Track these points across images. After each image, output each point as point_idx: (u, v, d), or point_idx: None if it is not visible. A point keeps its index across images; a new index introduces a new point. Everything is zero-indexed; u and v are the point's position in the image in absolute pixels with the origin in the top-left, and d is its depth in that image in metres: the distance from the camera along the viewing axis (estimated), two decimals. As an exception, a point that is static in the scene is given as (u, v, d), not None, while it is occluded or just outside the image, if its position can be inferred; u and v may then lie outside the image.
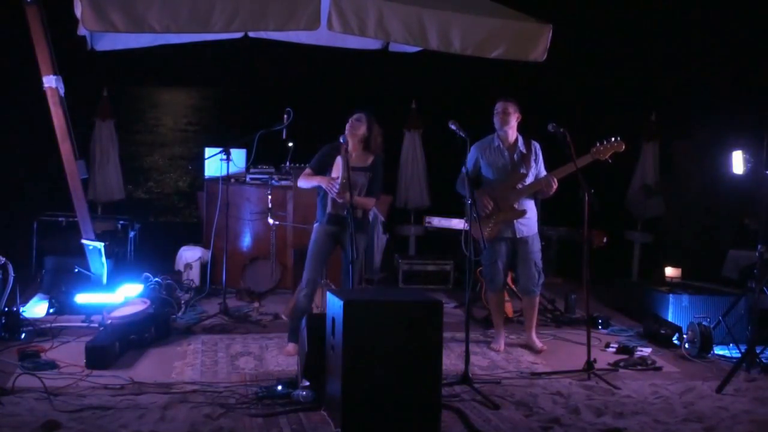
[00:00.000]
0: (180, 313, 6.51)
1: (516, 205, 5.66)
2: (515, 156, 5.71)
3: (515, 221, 5.67)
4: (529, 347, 5.92)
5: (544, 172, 5.72)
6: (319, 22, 5.81)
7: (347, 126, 5.45)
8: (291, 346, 5.55)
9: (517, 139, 5.73)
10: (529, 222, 5.73)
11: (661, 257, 8.22)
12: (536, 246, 5.79)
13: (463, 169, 5.48)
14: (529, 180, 5.68)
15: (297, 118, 6.08)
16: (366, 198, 5.48)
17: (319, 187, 5.51)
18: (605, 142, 5.51)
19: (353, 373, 3.97)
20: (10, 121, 8.22)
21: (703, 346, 5.71)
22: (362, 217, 5.52)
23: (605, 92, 9.24)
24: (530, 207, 5.74)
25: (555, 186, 5.54)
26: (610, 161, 5.89)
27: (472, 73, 8.70)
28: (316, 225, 5.60)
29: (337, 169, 5.37)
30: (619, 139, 5.50)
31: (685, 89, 8.75)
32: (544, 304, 6.92)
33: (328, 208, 5.46)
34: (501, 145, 5.73)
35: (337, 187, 5.27)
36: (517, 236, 5.70)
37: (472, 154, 5.80)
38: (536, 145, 5.74)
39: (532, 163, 5.69)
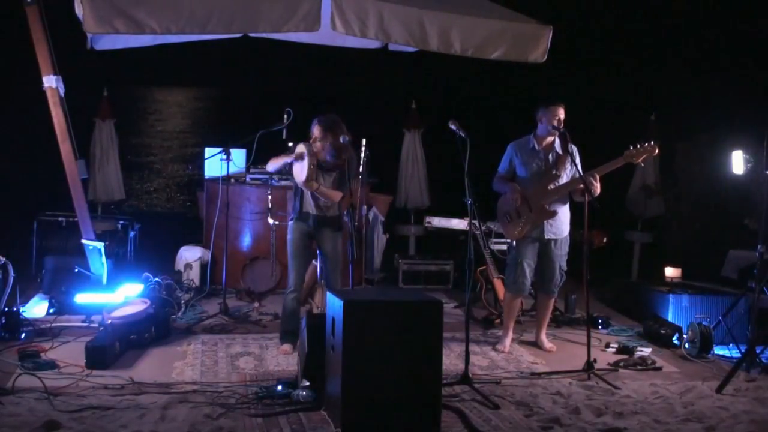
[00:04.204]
0: (180, 313, 6.51)
1: (548, 206, 5.65)
2: (550, 157, 5.69)
3: (545, 222, 5.67)
4: (538, 346, 5.93)
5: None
6: (319, 23, 5.81)
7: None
8: (286, 346, 5.61)
9: (553, 141, 5.69)
10: (559, 224, 5.70)
11: (661, 257, 8.22)
12: (563, 249, 5.77)
13: (499, 169, 5.72)
14: (563, 181, 5.66)
15: (297, 118, 6.08)
16: (333, 191, 5.48)
17: (293, 183, 5.57)
18: (638, 146, 5.45)
19: (353, 373, 3.97)
20: (10, 121, 8.22)
21: (703, 346, 5.71)
22: (335, 214, 5.56)
23: (605, 92, 9.24)
24: (562, 209, 5.70)
25: (597, 184, 5.41)
26: (643, 165, 5.89)
27: (472, 73, 8.72)
28: (290, 222, 5.67)
29: (303, 160, 5.39)
30: (652, 143, 5.45)
31: (685, 89, 8.75)
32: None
33: (303, 206, 5.54)
34: (536, 146, 5.70)
35: (305, 173, 5.29)
36: (545, 237, 5.68)
37: (507, 154, 5.83)
38: (573, 148, 5.65)
39: (568, 165, 5.63)
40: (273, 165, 5.68)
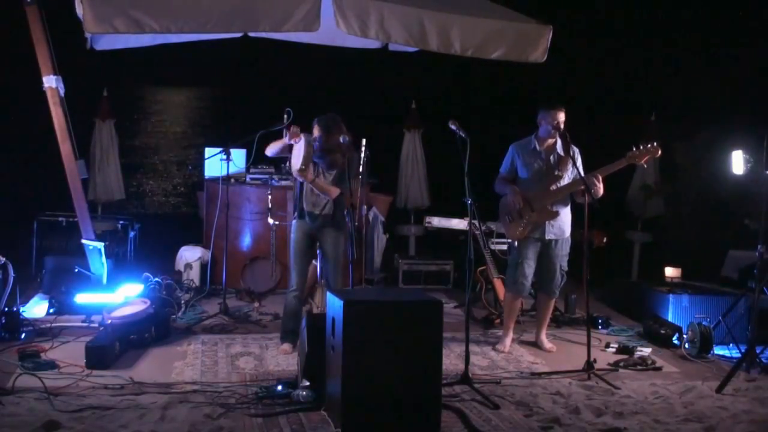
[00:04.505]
0: (180, 313, 6.51)
1: (549, 207, 5.64)
2: (552, 158, 5.68)
3: (546, 222, 5.66)
4: (538, 346, 5.94)
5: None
6: (318, 23, 5.81)
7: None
8: (286, 345, 5.61)
9: (555, 142, 5.69)
10: (560, 224, 5.70)
11: (661, 257, 8.22)
12: (564, 250, 5.77)
13: (501, 170, 5.75)
14: (565, 182, 5.65)
15: (297, 118, 6.09)
16: (330, 186, 5.48)
17: (295, 181, 5.57)
18: (641, 147, 5.46)
19: (353, 373, 3.97)
20: (10, 121, 8.22)
21: (703, 346, 5.71)
22: (334, 212, 5.54)
23: (605, 92, 9.24)
24: (564, 210, 5.71)
25: (599, 185, 5.44)
26: (645, 166, 5.89)
27: (472, 73, 8.71)
28: (293, 222, 5.67)
29: (300, 150, 5.39)
30: (655, 144, 5.46)
31: (685, 89, 8.75)
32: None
33: (304, 206, 5.54)
34: (538, 147, 5.70)
35: (300, 160, 5.29)
36: (546, 238, 5.68)
37: (509, 154, 5.83)
38: (575, 149, 5.65)
39: (569, 167, 5.63)
40: (272, 149, 5.64)
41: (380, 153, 7.83)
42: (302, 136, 5.38)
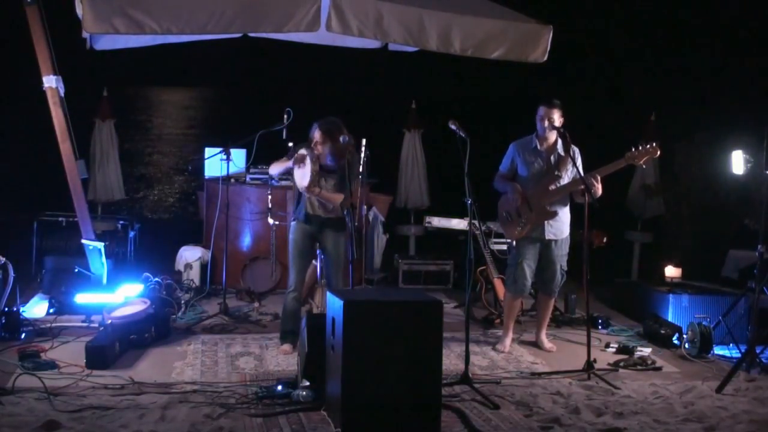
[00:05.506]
0: (180, 313, 6.51)
1: (548, 207, 5.65)
2: (552, 158, 5.68)
3: (545, 222, 5.67)
4: (538, 346, 5.94)
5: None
6: (319, 23, 5.81)
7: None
8: (286, 345, 5.61)
9: (556, 142, 5.69)
10: (559, 224, 5.69)
11: (661, 257, 8.22)
12: (564, 249, 5.77)
13: (501, 168, 5.74)
14: (564, 182, 5.65)
15: (297, 118, 6.09)
16: (334, 194, 5.48)
17: (294, 184, 5.56)
18: (640, 148, 5.46)
19: (353, 373, 3.97)
20: (10, 121, 8.23)
21: (703, 346, 5.71)
22: (337, 215, 5.53)
23: (605, 92, 9.25)
24: (563, 210, 5.70)
25: (598, 185, 5.44)
26: (644, 167, 5.89)
27: (472, 73, 8.72)
28: (293, 223, 5.66)
29: (307, 168, 5.38)
30: (654, 144, 5.47)
31: (685, 89, 8.76)
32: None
33: (305, 208, 5.53)
34: (538, 146, 5.70)
35: (308, 178, 5.29)
36: (546, 237, 5.68)
37: (509, 153, 5.83)
38: (575, 150, 5.65)
39: (569, 167, 5.63)
40: (275, 170, 5.69)
41: (380, 153, 7.83)
42: (305, 151, 5.37)
